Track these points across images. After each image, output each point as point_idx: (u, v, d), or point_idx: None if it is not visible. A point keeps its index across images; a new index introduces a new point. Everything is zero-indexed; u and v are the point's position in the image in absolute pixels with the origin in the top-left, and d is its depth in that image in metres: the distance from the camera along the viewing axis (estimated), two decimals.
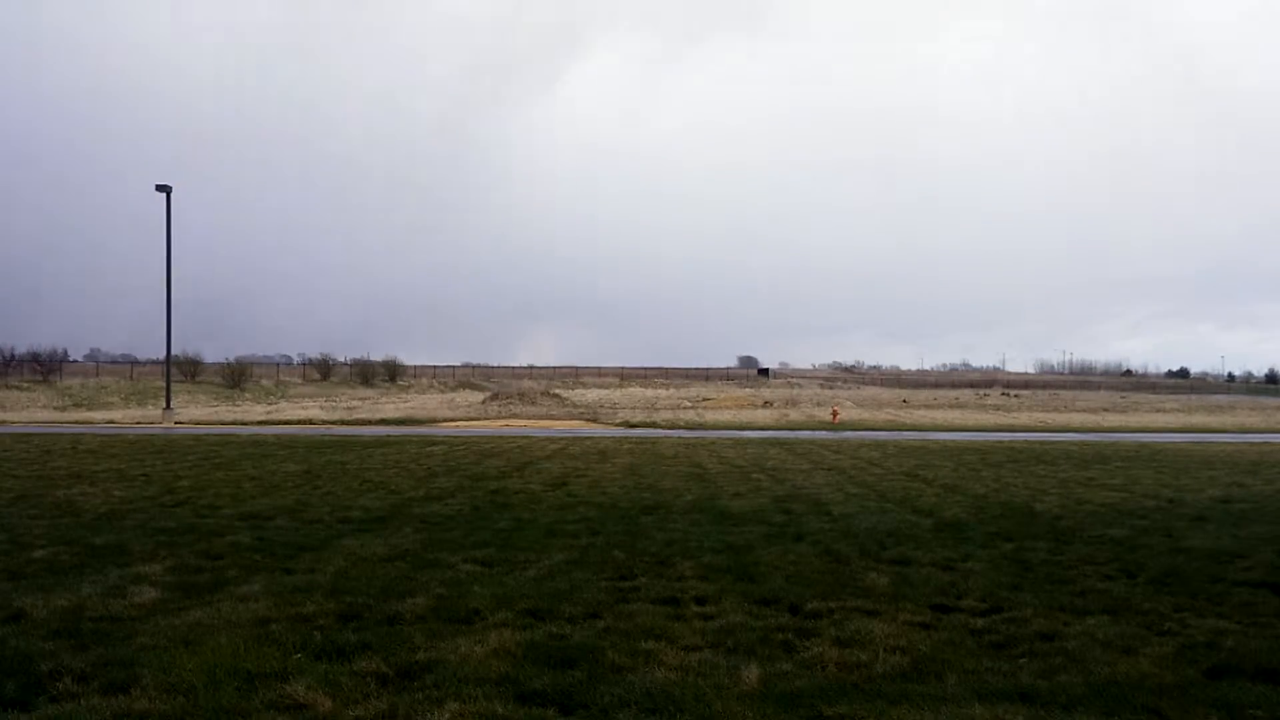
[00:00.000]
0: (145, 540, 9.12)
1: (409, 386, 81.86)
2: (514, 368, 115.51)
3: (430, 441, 24.93)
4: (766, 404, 55.85)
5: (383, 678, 4.97)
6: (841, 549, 8.91)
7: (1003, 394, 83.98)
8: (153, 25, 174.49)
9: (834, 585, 7.31)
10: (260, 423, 36.54)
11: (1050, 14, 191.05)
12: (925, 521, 10.91)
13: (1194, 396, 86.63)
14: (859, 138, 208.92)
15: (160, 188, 37.46)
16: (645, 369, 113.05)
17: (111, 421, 37.66)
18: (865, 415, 44.80)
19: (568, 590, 7.01)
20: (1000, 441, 27.65)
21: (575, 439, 26.80)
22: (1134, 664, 5.34)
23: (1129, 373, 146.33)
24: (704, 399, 62.12)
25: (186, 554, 8.43)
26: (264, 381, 70.61)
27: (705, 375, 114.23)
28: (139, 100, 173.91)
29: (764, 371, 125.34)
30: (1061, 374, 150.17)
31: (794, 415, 43.92)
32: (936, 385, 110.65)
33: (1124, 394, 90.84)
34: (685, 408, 51.32)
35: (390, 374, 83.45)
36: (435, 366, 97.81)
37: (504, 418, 42.19)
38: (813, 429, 34.57)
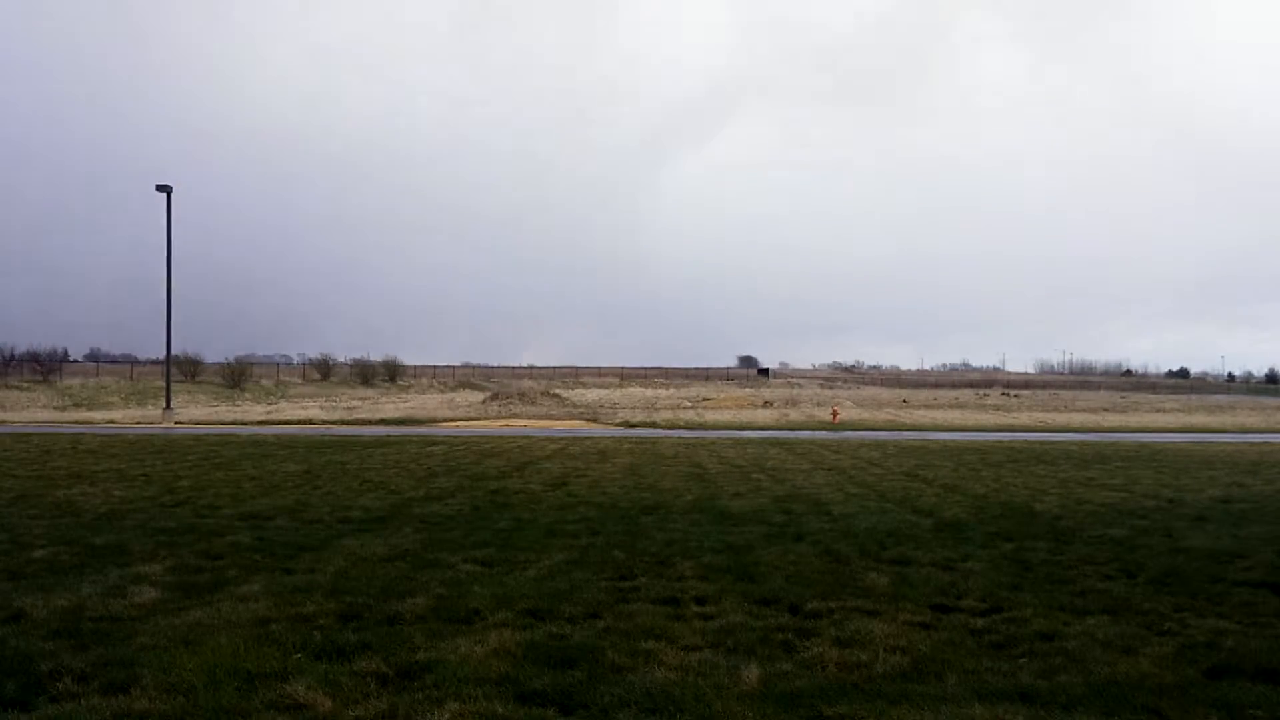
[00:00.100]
0: (145, 540, 9.12)
1: (409, 386, 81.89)
2: (514, 368, 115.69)
3: (430, 441, 24.93)
4: (766, 404, 55.87)
5: (383, 678, 4.97)
6: (841, 549, 8.91)
7: (1003, 394, 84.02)
8: (180, 26, 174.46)
9: (834, 585, 7.31)
10: (260, 423, 36.55)
11: (1051, 13, 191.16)
12: (925, 521, 10.91)
13: (1194, 396, 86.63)
14: (859, 136, 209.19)
15: (160, 188, 37.47)
16: (645, 369, 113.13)
17: (111, 421, 37.66)
18: (865, 415, 44.81)
19: (568, 590, 7.01)
20: (1000, 441, 27.65)
21: (575, 439, 26.80)
22: (1134, 664, 5.34)
23: (1129, 373, 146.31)
24: (704, 399, 62.14)
25: (186, 554, 8.43)
26: (264, 381, 70.65)
27: (705, 375, 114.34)
28: (139, 100, 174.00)
29: (764, 371, 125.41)
30: (1061, 374, 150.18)
31: (794, 415, 43.94)
32: (936, 385, 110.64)
33: (1124, 394, 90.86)
34: (685, 408, 51.34)
35: (390, 374, 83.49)
36: (435, 366, 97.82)
37: (504, 418, 42.20)
38: (813, 429, 34.57)
